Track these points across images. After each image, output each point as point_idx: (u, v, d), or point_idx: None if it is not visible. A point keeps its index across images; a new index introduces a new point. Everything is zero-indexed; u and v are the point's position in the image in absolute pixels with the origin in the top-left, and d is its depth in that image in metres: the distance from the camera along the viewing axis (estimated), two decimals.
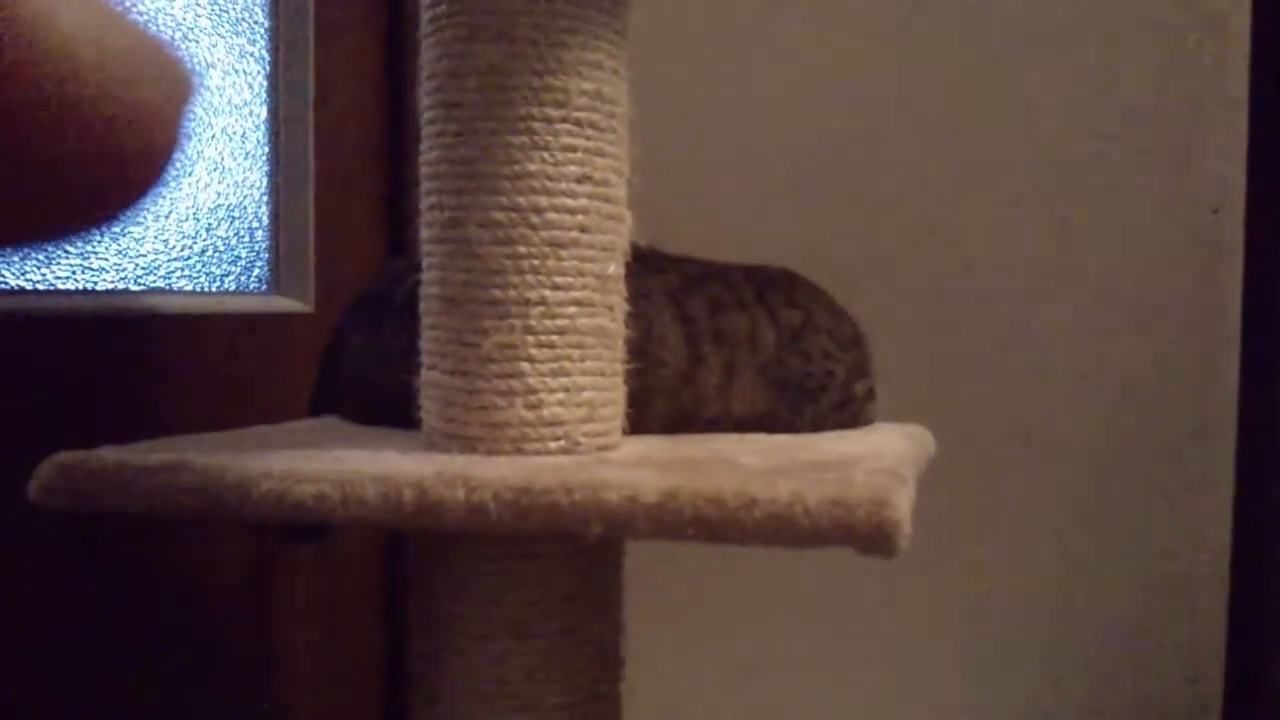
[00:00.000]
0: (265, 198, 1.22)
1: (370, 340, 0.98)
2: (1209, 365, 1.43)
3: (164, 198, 1.11)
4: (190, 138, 0.64)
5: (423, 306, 0.84)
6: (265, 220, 1.22)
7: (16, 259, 0.97)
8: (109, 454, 0.79)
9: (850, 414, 1.02)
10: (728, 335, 0.97)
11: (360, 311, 1.02)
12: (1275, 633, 1.39)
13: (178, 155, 0.58)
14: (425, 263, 0.83)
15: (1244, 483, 1.41)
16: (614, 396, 0.86)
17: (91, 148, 0.52)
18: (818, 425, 1.00)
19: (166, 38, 0.57)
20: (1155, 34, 1.42)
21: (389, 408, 0.91)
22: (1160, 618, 1.46)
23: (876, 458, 0.81)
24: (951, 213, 1.45)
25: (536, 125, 0.79)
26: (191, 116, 0.60)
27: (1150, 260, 1.44)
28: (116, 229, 1.05)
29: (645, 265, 0.94)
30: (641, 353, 0.92)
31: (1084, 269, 1.45)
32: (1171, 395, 1.44)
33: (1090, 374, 1.43)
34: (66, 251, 1.01)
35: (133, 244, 1.08)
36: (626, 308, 0.88)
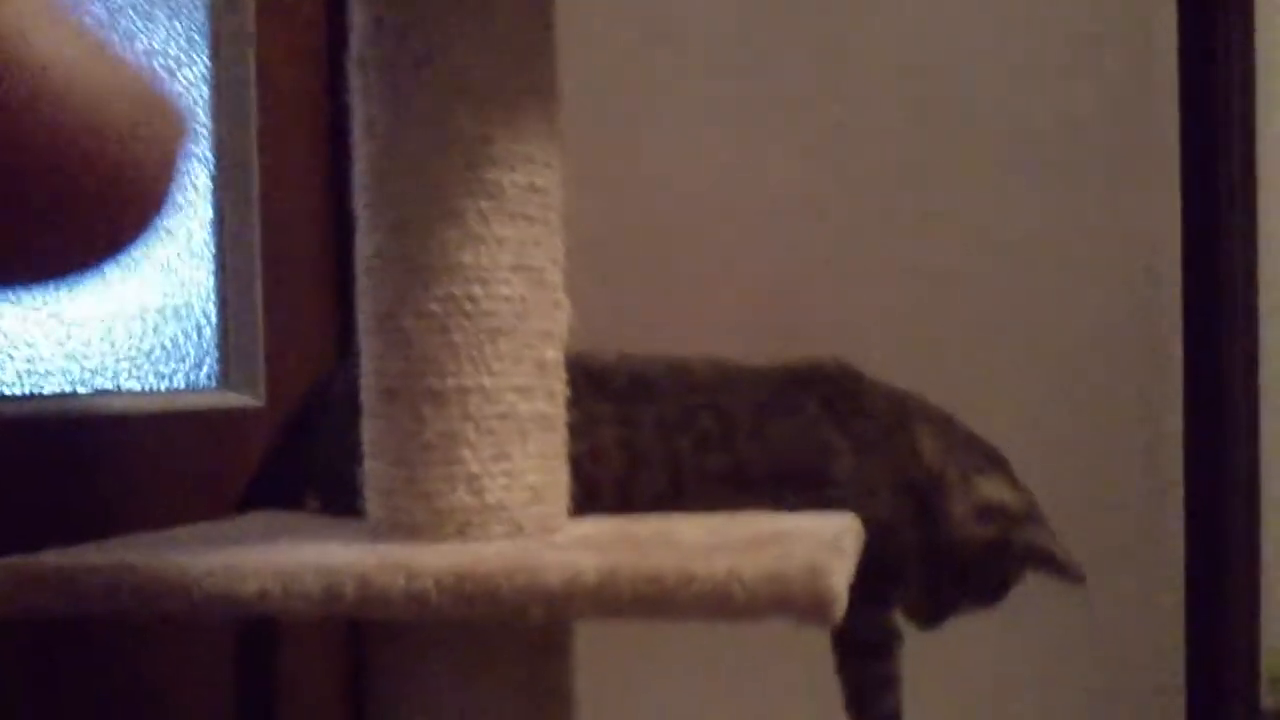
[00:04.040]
0: (212, 295, 1.23)
1: (322, 434, 0.99)
2: (1151, 428, 1.45)
3: (110, 298, 1.11)
4: (184, 180, 0.64)
5: (363, 397, 0.85)
6: (213, 317, 1.23)
7: None
8: (51, 558, 0.79)
9: None
10: (711, 473, 0.97)
11: (312, 406, 1.03)
12: (1232, 648, 1.39)
13: (172, 197, 0.58)
14: (364, 354, 0.85)
15: (1194, 504, 1.42)
16: (557, 479, 0.87)
17: (85, 188, 0.52)
18: None
19: (159, 77, 0.57)
20: (1082, 78, 1.46)
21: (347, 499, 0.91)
22: (1117, 637, 1.46)
23: (816, 532, 0.83)
24: (885, 273, 1.48)
25: (470, 218, 0.81)
26: (185, 159, 0.59)
27: (1088, 324, 1.46)
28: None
29: (638, 390, 0.98)
30: (623, 481, 0.95)
31: (1021, 332, 1.47)
32: (1114, 465, 1.46)
33: (1028, 441, 1.44)
34: (10, 356, 1.01)
35: (79, 346, 1.08)
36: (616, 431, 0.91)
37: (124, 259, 0.59)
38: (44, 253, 0.55)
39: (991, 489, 1.00)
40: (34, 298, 0.98)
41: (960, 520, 0.99)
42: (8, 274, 0.57)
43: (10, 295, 0.88)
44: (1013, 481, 1.02)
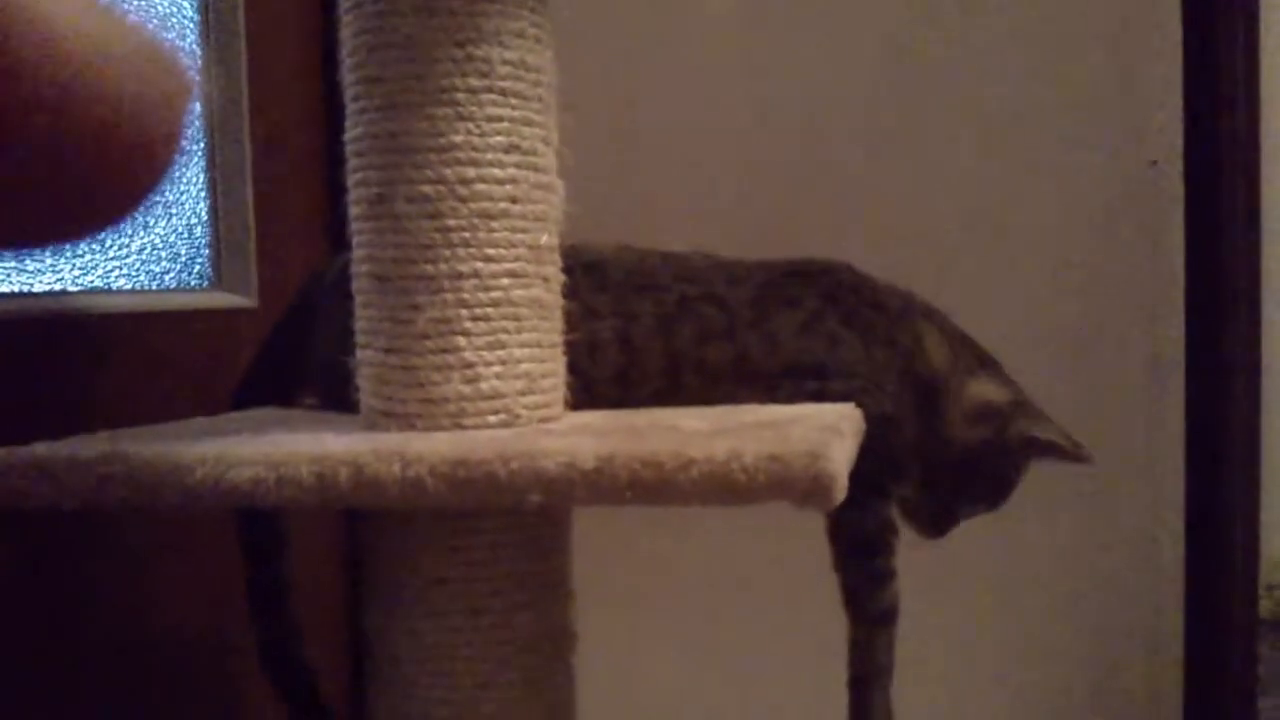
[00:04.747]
0: (203, 193, 1.21)
1: (317, 328, 0.97)
2: (1152, 325, 1.43)
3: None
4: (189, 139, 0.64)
5: (355, 285, 0.83)
6: (204, 215, 1.21)
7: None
8: (42, 449, 0.78)
9: None
10: (711, 366, 0.96)
11: (306, 302, 1.02)
12: (1232, 556, 1.39)
13: (177, 156, 0.58)
14: (355, 241, 0.83)
15: (1195, 410, 1.41)
16: (553, 368, 0.85)
17: (92, 150, 0.52)
18: None
19: (165, 38, 0.57)
20: None
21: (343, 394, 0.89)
22: (1117, 547, 1.46)
23: (816, 418, 0.81)
24: (883, 173, 1.45)
25: (460, 96, 0.78)
26: (190, 117, 0.59)
27: (1090, 218, 1.44)
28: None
29: (637, 282, 0.95)
30: (621, 376, 0.93)
31: (1022, 227, 1.45)
32: (1117, 363, 1.45)
33: (1030, 338, 1.43)
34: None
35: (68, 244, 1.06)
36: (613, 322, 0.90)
37: (131, 218, 0.59)
38: (52, 216, 0.55)
39: (980, 389, 1.00)
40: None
41: (956, 423, 0.99)
42: (16, 236, 0.57)
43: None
44: (1000, 379, 1.02)
